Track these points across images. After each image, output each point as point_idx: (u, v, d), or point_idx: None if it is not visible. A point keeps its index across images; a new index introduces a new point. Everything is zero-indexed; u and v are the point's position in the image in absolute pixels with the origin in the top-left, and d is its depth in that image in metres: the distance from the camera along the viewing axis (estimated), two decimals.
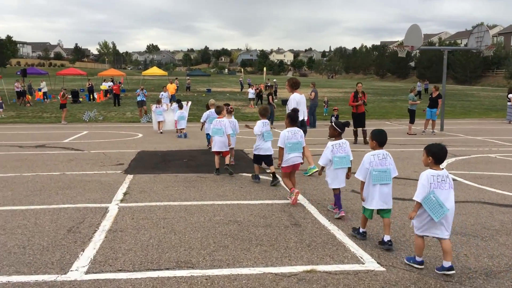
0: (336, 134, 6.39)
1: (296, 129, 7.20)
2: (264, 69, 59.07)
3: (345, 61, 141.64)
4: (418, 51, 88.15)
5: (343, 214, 6.23)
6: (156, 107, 17.73)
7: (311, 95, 19.88)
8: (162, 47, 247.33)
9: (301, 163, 7.34)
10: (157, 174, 9.22)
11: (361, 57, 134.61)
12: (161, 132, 17.51)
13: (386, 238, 5.08)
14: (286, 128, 7.21)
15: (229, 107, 10.40)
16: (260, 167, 8.65)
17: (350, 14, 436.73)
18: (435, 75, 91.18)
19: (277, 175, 8.24)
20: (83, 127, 19.93)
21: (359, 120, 14.12)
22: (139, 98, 23.28)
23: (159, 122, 17.66)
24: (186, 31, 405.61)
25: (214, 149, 9.28)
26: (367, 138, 13.51)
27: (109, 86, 38.47)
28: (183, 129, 16.17)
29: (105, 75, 49.28)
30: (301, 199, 7.29)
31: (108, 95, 37.75)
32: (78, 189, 7.88)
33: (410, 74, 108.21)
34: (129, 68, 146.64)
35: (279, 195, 7.52)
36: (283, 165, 7.06)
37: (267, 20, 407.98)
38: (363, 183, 5.21)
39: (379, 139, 5.23)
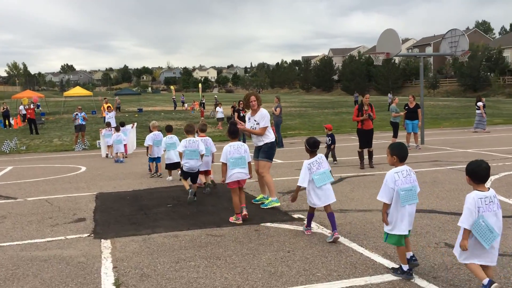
0: (308, 152, 6.08)
1: (239, 143, 6.94)
2: (200, 85, 56.29)
3: (270, 76, 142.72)
4: (340, 64, 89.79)
5: (337, 235, 5.77)
6: (106, 130, 16.19)
7: (276, 110, 17.50)
8: (77, 67, 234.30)
9: (249, 178, 7.14)
10: (145, 234, 6.29)
11: (285, 72, 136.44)
12: (108, 157, 15.87)
13: (409, 254, 4.66)
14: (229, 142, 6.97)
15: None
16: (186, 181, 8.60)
17: (266, 31, 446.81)
18: (358, 87, 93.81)
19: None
20: (5, 161, 16.05)
21: (366, 138, 11.78)
22: (77, 123, 19.51)
23: (108, 146, 16.07)
24: (102, 50, 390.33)
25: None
26: (372, 161, 11.48)
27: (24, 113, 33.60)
28: (121, 153, 15.01)
29: (20, 97, 43.69)
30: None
31: (26, 121, 32.89)
32: (31, 280, 4.78)
33: (335, 87, 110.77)
34: (42, 89, 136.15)
35: (362, 265, 5.00)
36: (227, 181, 6.80)
37: (186, 38, 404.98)
38: (386, 205, 4.62)
39: (400, 154, 4.67)
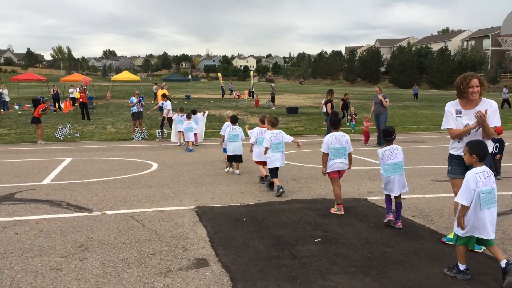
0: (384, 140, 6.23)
1: (340, 133, 6.84)
2: (251, 73, 53.57)
3: (312, 67, 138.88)
4: (388, 56, 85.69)
5: (391, 218, 5.95)
6: (178, 115, 15.01)
7: (386, 101, 14.66)
8: (119, 53, 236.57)
9: (348, 168, 6.91)
10: None
11: (327, 63, 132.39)
12: (181, 144, 14.91)
13: (504, 262, 4.11)
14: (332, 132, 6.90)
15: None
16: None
17: (305, 21, 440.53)
18: (408, 79, 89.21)
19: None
20: (61, 150, 13.99)
21: None
22: (134, 109, 17.40)
23: (179, 133, 15.03)
24: (142, 37, 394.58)
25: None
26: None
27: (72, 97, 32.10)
28: (191, 142, 14.17)
29: (68, 80, 42.44)
30: None
31: (76, 104, 31.28)
32: None
33: (381, 79, 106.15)
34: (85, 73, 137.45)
35: None
36: (328, 171, 6.74)
37: (224, 26, 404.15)
38: (464, 208, 4.22)
39: (481, 152, 4.31)
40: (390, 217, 5.95)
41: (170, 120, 16.50)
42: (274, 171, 8.05)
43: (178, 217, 6.48)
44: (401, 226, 5.90)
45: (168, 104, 17.40)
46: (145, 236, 5.61)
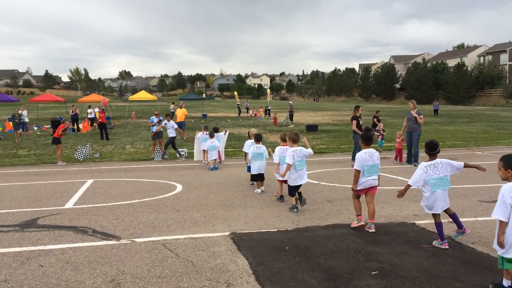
0: (427, 154, 5.94)
1: (372, 150, 6.83)
2: (268, 91, 53.29)
3: (327, 84, 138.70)
4: (403, 72, 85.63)
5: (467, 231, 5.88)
6: (202, 133, 14.83)
7: (421, 118, 14.04)
8: (134, 74, 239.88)
9: (377, 186, 6.74)
10: None
11: (341, 80, 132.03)
12: (206, 163, 14.36)
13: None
14: (362, 149, 6.82)
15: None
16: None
17: (317, 39, 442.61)
18: (424, 95, 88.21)
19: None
20: (82, 172, 13.62)
21: None
22: (154, 129, 17.08)
23: (203, 151, 14.71)
24: (157, 58, 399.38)
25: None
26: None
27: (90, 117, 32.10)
28: (215, 160, 13.81)
29: (86, 101, 42.62)
30: None
31: (94, 125, 31.22)
32: None
33: (397, 95, 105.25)
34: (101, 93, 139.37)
35: None
36: (358, 188, 6.68)
37: (238, 45, 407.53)
38: (503, 224, 4.06)
39: None
40: (446, 246, 5.76)
41: (172, 138, 16.40)
42: (295, 190, 7.99)
43: (213, 245, 5.95)
44: (468, 232, 5.96)
45: (172, 124, 16.93)
46: (181, 268, 5.09)
